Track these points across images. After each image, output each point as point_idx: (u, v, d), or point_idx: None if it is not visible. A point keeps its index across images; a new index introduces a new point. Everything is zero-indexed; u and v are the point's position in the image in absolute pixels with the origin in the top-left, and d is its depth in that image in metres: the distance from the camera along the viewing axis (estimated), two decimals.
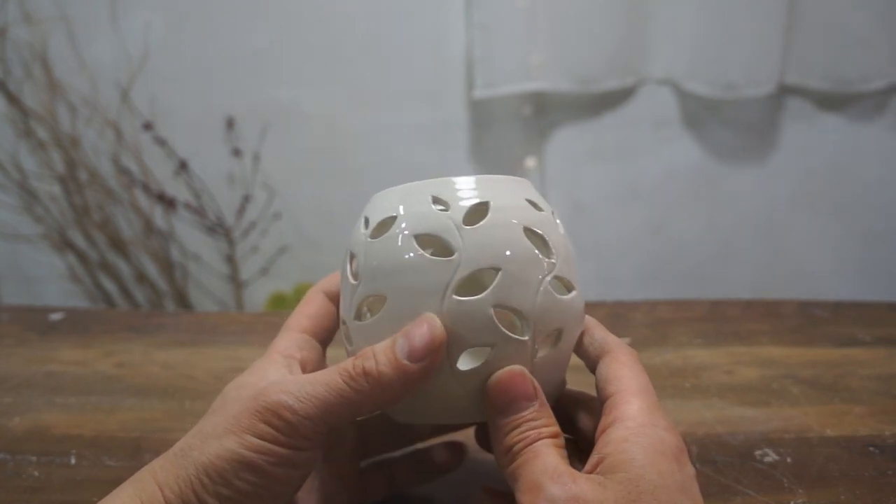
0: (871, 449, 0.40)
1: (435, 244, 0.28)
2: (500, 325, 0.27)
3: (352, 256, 0.30)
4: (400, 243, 0.28)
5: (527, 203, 0.30)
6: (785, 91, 1.12)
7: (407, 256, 0.28)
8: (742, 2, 1.04)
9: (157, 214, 1.19)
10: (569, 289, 0.30)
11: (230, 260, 1.21)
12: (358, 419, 0.31)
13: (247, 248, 1.21)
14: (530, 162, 1.17)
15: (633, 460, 0.24)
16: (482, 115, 1.15)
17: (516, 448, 0.26)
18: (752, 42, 1.06)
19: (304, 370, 0.31)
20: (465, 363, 0.28)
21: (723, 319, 0.61)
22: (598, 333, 0.31)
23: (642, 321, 0.61)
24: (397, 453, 0.36)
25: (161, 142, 1.13)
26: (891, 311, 0.62)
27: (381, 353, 0.26)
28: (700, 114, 1.15)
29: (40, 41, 1.10)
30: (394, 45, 1.13)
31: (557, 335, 0.29)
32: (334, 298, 0.34)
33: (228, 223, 1.18)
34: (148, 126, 1.13)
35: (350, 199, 1.15)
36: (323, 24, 1.11)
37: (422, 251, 0.28)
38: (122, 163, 1.16)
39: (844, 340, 0.56)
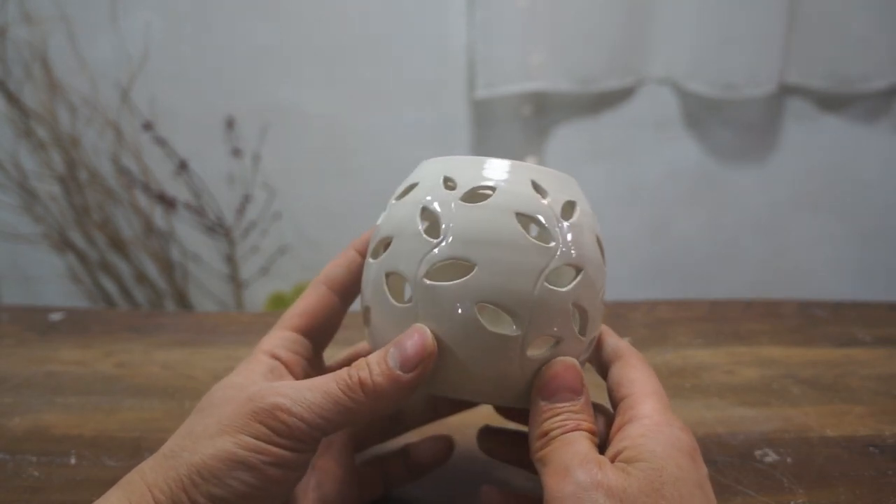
0: (871, 449, 0.40)
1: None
2: (573, 322, 0.28)
3: (424, 210, 0.29)
4: (503, 217, 0.28)
5: (591, 210, 0.31)
6: (785, 91, 1.12)
7: (507, 232, 0.28)
8: (742, 1, 1.04)
9: (157, 214, 1.19)
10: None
11: (230, 260, 1.21)
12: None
13: (247, 248, 1.21)
14: (531, 162, 1.17)
15: (653, 452, 0.25)
16: (483, 114, 1.15)
17: (553, 433, 0.27)
18: (753, 42, 1.06)
19: (291, 371, 0.31)
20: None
21: (723, 319, 0.61)
22: (611, 340, 0.32)
23: (642, 321, 0.61)
24: (388, 451, 0.36)
25: (161, 142, 1.13)
26: (891, 311, 0.62)
27: (375, 364, 0.27)
28: (700, 114, 1.15)
29: (40, 41, 1.10)
30: (395, 45, 1.13)
31: (593, 339, 0.31)
32: (337, 289, 0.33)
33: (228, 223, 1.18)
34: (148, 126, 1.13)
35: (350, 199, 1.16)
36: (323, 24, 1.11)
37: (523, 231, 0.28)
38: (122, 163, 1.16)
39: (844, 340, 0.56)
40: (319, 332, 0.33)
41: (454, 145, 1.17)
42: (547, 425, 0.27)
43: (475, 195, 0.29)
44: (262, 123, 1.14)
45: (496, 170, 0.30)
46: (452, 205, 0.28)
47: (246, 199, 1.17)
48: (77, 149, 1.14)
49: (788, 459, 0.39)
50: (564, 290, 0.28)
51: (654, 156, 1.17)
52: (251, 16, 1.12)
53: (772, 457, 0.39)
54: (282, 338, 0.31)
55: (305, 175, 1.19)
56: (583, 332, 0.29)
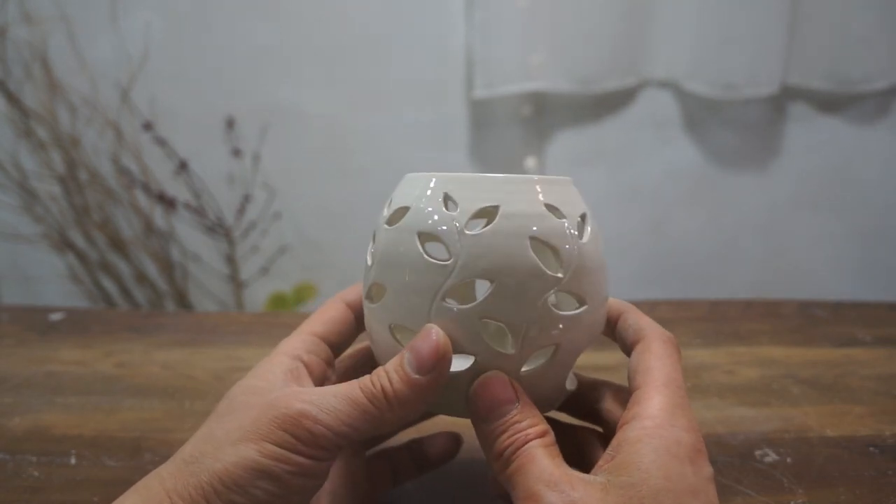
0: (871, 449, 0.40)
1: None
2: (484, 338, 0.27)
3: (374, 236, 0.30)
4: (404, 238, 0.28)
5: (544, 209, 0.28)
6: (786, 91, 1.12)
7: (408, 253, 0.28)
8: (743, 2, 1.04)
9: (157, 214, 1.19)
10: (580, 303, 0.28)
11: (230, 260, 1.21)
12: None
13: (247, 248, 1.21)
14: (530, 162, 1.17)
15: (639, 463, 0.24)
16: (482, 115, 1.15)
17: (507, 453, 0.26)
18: (754, 42, 1.06)
19: (311, 373, 0.30)
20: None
21: (723, 319, 0.61)
22: (632, 318, 0.30)
23: None
24: (397, 445, 0.36)
25: (161, 142, 1.13)
26: (891, 311, 0.62)
27: (393, 372, 0.27)
28: (701, 114, 1.15)
29: (40, 41, 1.10)
30: (394, 45, 1.13)
31: (554, 350, 0.28)
32: (354, 308, 0.34)
33: (228, 223, 1.18)
34: (148, 126, 1.13)
35: (350, 199, 1.16)
36: (323, 24, 1.11)
37: (421, 250, 0.27)
38: (122, 163, 1.16)
39: (844, 340, 0.56)
40: (338, 341, 0.33)
41: (453, 146, 1.17)
42: (497, 447, 0.26)
43: (396, 217, 0.29)
44: (262, 123, 1.14)
45: (417, 186, 0.29)
46: (380, 227, 0.30)
47: (246, 199, 1.17)
48: (77, 149, 1.14)
49: (788, 459, 0.39)
50: (467, 307, 0.27)
51: (654, 156, 1.17)
52: (251, 16, 1.12)
53: (772, 457, 0.39)
54: (303, 341, 0.31)
55: (305, 175, 1.19)
56: (510, 345, 0.27)
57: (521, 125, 1.16)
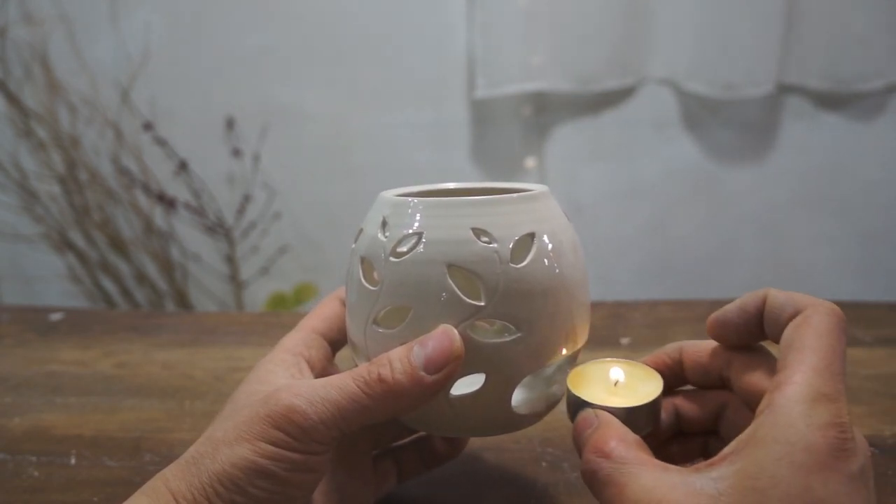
0: (871, 449, 0.40)
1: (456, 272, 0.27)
2: None
3: None
4: (353, 261, 0.29)
5: (469, 234, 0.26)
6: (784, 91, 1.12)
7: (353, 276, 0.29)
8: (741, 2, 1.04)
9: (157, 214, 1.19)
10: (512, 329, 0.27)
11: (230, 260, 1.21)
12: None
13: (247, 248, 1.21)
14: (530, 162, 1.17)
15: (757, 476, 0.21)
16: (483, 114, 1.15)
17: (598, 477, 0.24)
18: (752, 42, 1.06)
19: (313, 368, 0.30)
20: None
21: None
22: (781, 296, 0.26)
23: (642, 321, 0.61)
24: (403, 442, 0.36)
25: (161, 142, 1.13)
26: (891, 311, 0.62)
27: (397, 361, 0.26)
28: (699, 113, 1.15)
29: (40, 41, 1.10)
30: (395, 45, 1.13)
31: (485, 377, 0.27)
32: None
33: (228, 223, 1.18)
34: (148, 126, 1.13)
35: (351, 199, 1.16)
36: (324, 24, 1.12)
37: (360, 275, 0.28)
38: (122, 163, 1.16)
39: None
40: (336, 338, 0.33)
41: (454, 145, 1.17)
42: (584, 468, 0.24)
43: (357, 238, 0.30)
44: (262, 123, 1.14)
45: (373, 209, 0.30)
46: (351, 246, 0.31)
47: (246, 199, 1.17)
48: (77, 149, 1.14)
49: None
50: (391, 331, 0.27)
51: (653, 155, 1.17)
52: (251, 16, 1.12)
53: None
54: (304, 337, 0.32)
55: (305, 175, 1.19)
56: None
57: (521, 125, 1.16)
